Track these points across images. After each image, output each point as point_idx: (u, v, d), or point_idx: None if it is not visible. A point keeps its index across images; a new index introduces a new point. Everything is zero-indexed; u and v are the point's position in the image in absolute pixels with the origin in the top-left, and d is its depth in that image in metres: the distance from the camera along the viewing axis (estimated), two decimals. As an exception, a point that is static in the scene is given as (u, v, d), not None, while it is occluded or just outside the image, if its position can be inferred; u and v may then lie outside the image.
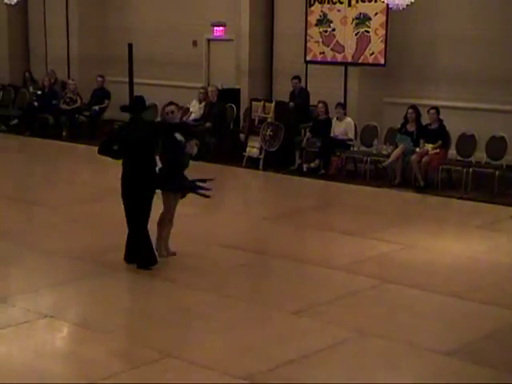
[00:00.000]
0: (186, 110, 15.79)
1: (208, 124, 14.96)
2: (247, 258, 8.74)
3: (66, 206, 10.80)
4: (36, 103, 17.58)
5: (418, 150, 12.59)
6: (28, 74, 19.10)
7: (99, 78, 17.66)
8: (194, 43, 17.62)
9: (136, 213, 8.03)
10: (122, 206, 8.09)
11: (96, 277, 7.93)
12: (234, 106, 15.76)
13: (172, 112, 8.41)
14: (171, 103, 8.52)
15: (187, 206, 11.06)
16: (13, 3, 15.04)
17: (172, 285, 7.71)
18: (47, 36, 19.43)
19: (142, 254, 8.09)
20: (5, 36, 20.22)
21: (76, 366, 5.92)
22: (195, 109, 15.55)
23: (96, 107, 17.25)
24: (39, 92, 17.82)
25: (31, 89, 18.49)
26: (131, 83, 17.49)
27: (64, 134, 17.05)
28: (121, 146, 8.02)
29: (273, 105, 14.37)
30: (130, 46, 17.40)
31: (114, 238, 8.85)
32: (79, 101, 17.41)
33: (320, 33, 14.96)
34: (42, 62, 19.62)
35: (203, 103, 15.46)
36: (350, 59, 14.64)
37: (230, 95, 15.87)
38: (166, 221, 8.49)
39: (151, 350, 6.11)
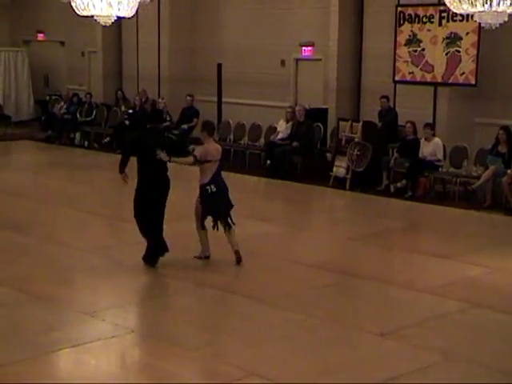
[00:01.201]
0: (274, 130, 15.91)
1: (295, 144, 15.01)
2: (332, 278, 8.71)
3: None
4: (127, 121, 17.99)
5: (509, 171, 12.30)
6: (120, 92, 19.61)
7: (188, 97, 17.98)
8: (282, 63, 17.73)
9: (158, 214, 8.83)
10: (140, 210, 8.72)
11: (183, 293, 8.05)
12: (321, 125, 15.76)
13: None
14: None
15: (273, 224, 11.11)
16: (108, 24, 15.48)
17: (257, 303, 7.75)
18: (139, 56, 19.94)
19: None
20: (100, 56, 20.84)
21: (161, 382, 6.00)
22: (282, 128, 15.63)
23: (185, 126, 17.54)
24: (130, 111, 18.24)
25: (123, 107, 18.95)
26: (219, 102, 17.81)
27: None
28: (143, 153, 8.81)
29: (360, 124, 14.32)
30: (219, 65, 17.74)
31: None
32: (169, 119, 17.74)
33: (409, 52, 14.84)
34: (133, 81, 20.12)
35: (290, 123, 15.53)
36: (439, 79, 14.46)
37: (317, 115, 15.89)
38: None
39: (236, 368, 6.15)
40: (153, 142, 8.87)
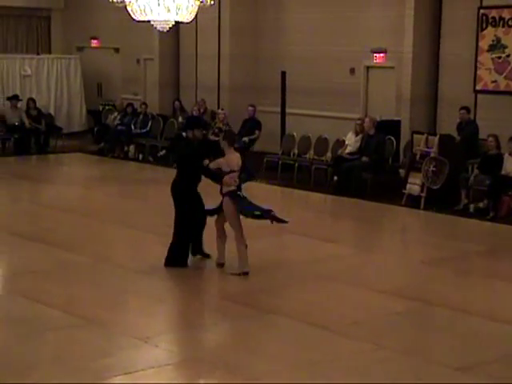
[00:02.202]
0: (341, 143, 15.90)
1: (365, 159, 14.97)
2: (404, 306, 8.65)
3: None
4: (184, 134, 18.15)
5: None
6: (177, 102, 19.85)
7: (250, 108, 18.10)
8: (352, 71, 17.74)
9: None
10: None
11: (242, 318, 8.09)
12: (393, 138, 15.68)
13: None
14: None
15: (340, 246, 11.10)
16: (165, 30, 15.73)
17: (322, 331, 7.74)
18: (198, 63, 20.18)
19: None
20: (156, 63, 21.18)
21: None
22: (351, 142, 15.60)
23: (246, 138, 17.66)
24: (189, 122, 18.46)
25: (180, 118, 19.17)
26: (283, 113, 17.88)
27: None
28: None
29: (437, 138, 14.21)
30: (284, 74, 17.83)
31: (265, 279, 9.00)
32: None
33: (492, 59, 14.69)
34: (191, 91, 20.36)
35: (360, 136, 15.50)
36: (525, 89, 14.28)
37: (389, 127, 15.83)
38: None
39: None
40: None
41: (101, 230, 11.96)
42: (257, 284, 9.21)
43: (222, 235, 9.71)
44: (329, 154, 16.39)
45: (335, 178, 15.20)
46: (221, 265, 9.72)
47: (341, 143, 15.96)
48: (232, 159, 9.56)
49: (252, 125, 17.96)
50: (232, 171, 9.46)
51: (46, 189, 15.76)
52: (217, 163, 9.51)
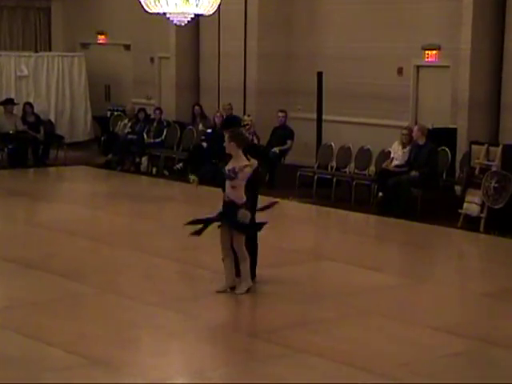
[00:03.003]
0: (387, 155, 15.85)
1: (414, 173, 14.92)
2: (463, 346, 8.59)
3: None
4: (205, 144, 18.23)
5: None
6: (198, 108, 19.86)
7: (280, 114, 18.12)
8: (400, 71, 17.72)
9: None
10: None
11: (275, 360, 8.05)
12: (447, 150, 15.64)
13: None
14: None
15: (386, 275, 11.05)
16: (183, 24, 15.76)
17: (368, 376, 7.69)
18: (221, 63, 20.24)
19: None
20: (172, 62, 21.25)
21: None
22: (398, 153, 15.55)
23: (276, 149, 17.66)
24: (209, 130, 18.49)
25: (200, 126, 19.22)
26: (319, 120, 17.88)
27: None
28: None
29: (499, 149, 14.14)
30: (320, 75, 17.84)
31: (298, 312, 8.93)
32: (256, 141, 17.86)
33: None
34: (213, 94, 20.40)
35: (408, 147, 15.45)
36: None
37: (443, 136, 15.78)
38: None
39: None
40: None
41: (108, 255, 12.00)
42: (288, 317, 9.17)
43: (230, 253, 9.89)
44: (372, 168, 16.37)
45: (380, 194, 15.15)
46: (233, 288, 9.87)
47: (386, 155, 15.93)
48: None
49: (283, 134, 17.98)
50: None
51: (45, 208, 15.85)
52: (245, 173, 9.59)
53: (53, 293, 10.07)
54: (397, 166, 15.40)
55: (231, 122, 10.84)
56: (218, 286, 9.94)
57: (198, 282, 10.77)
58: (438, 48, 17.05)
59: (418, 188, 14.82)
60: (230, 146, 9.68)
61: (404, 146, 15.53)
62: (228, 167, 9.60)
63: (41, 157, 20.01)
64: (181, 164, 18.63)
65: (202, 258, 11.54)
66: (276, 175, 17.29)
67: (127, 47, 23.29)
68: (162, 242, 12.72)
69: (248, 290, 9.79)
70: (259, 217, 9.96)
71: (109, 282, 10.53)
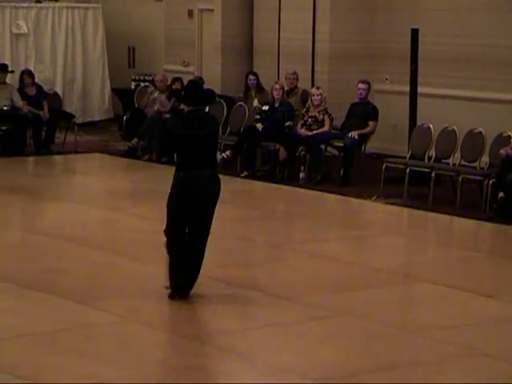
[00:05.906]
0: (507, 140, 15.71)
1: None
2: None
3: (307, 295, 11.08)
4: (260, 125, 18.16)
5: None
6: (253, 77, 19.70)
7: (361, 85, 18.00)
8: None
9: (206, 227, 10.69)
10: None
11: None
12: None
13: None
14: None
15: (506, 303, 10.97)
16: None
17: None
18: (282, 18, 20.22)
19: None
20: (217, 17, 21.28)
21: None
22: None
23: (354, 133, 17.55)
24: (265, 107, 18.43)
25: (255, 102, 19.15)
26: (414, 94, 17.74)
27: (301, 175, 17.38)
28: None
29: None
30: (415, 32, 17.72)
31: (385, 352, 8.94)
32: (328, 123, 17.79)
33: None
34: (272, 60, 20.40)
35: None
36: None
37: None
38: None
39: None
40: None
41: (130, 271, 12.04)
42: (370, 361, 9.15)
43: None
44: (485, 158, 16.20)
45: (501, 194, 14.90)
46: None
47: (505, 140, 15.78)
48: None
49: (364, 112, 17.91)
50: None
51: (49, 209, 16.03)
52: None
53: (58, 322, 10.11)
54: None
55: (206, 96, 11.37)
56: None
57: (256, 315, 10.73)
58: None
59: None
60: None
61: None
62: None
63: (44, 142, 20.12)
64: (228, 152, 18.59)
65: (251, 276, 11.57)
66: (354, 168, 17.22)
67: (158, -3, 23.47)
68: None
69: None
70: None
71: (129, 307, 10.56)
